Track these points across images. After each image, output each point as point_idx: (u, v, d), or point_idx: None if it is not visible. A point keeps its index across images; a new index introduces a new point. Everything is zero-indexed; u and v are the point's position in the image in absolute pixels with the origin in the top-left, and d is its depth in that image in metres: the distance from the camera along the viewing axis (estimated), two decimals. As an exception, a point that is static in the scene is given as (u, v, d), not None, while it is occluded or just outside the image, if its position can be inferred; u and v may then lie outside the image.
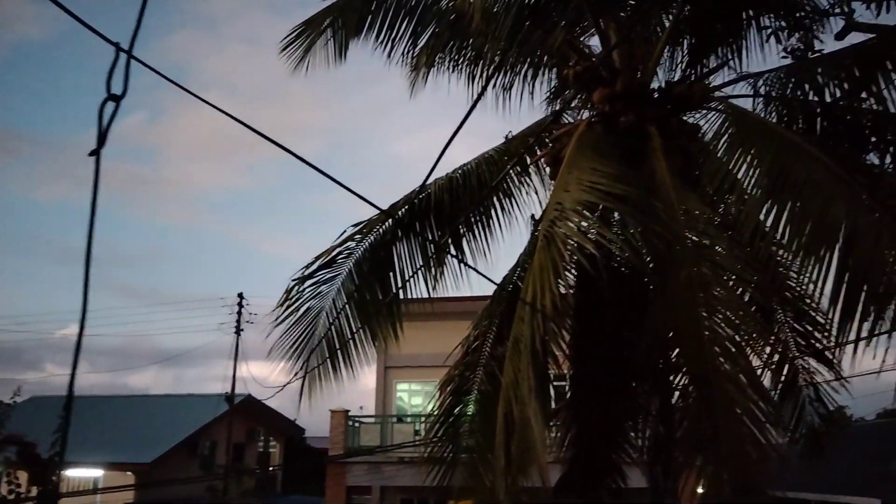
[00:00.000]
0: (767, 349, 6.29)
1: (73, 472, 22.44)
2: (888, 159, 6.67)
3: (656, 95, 6.71)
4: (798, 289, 6.62)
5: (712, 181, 5.92)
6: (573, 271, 5.58)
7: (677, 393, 5.56)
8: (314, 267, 7.25)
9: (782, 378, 6.91)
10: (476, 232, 7.75)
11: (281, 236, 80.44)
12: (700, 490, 5.14)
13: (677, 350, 5.47)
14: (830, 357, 6.66)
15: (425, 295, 7.58)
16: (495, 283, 6.70)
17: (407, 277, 7.44)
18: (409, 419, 23.98)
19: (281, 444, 37.22)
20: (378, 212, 7.18)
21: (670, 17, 7.05)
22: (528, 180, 7.87)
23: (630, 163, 5.84)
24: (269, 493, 30.01)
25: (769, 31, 7.06)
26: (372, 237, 7.42)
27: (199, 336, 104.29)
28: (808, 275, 5.25)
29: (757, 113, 6.95)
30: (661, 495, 6.44)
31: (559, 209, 5.16)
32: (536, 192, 7.86)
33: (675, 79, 7.34)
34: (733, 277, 5.35)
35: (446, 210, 7.34)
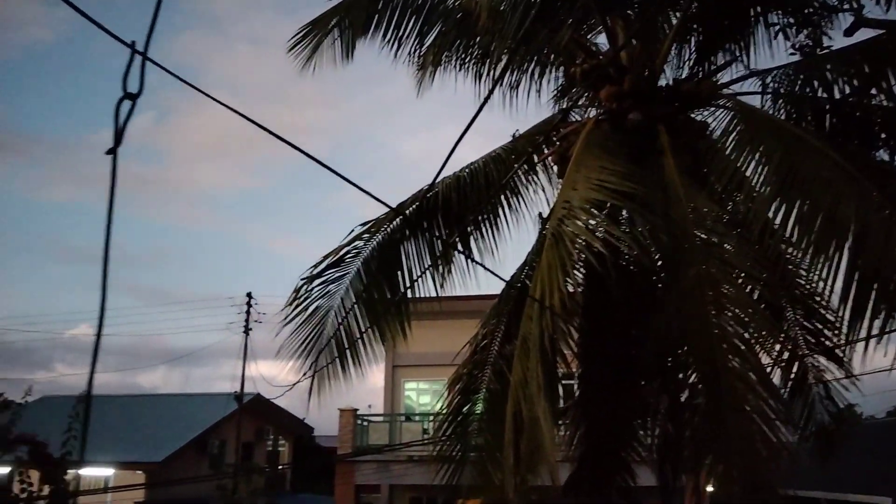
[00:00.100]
0: (777, 347, 6.26)
1: (83, 471, 22.55)
2: (898, 156, 6.63)
3: (664, 93, 6.69)
4: (808, 286, 6.59)
5: (721, 179, 5.90)
6: (581, 269, 5.57)
7: (686, 391, 5.55)
8: (322, 266, 7.27)
9: (792, 376, 6.87)
10: (484, 230, 7.75)
11: (289, 236, 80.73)
12: (709, 488, 5.13)
13: (686, 348, 5.45)
14: (840, 355, 6.62)
15: (433, 294, 7.59)
16: (504, 280, 6.69)
17: (415, 276, 7.46)
18: (417, 418, 23.99)
19: (290, 442, 37.28)
20: (386, 211, 7.20)
21: (678, 14, 7.02)
22: (535, 178, 7.86)
23: (638, 161, 5.83)
24: (278, 492, 30.07)
25: (777, 27, 7.01)
26: (380, 236, 7.43)
27: (208, 335, 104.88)
28: (817, 272, 5.21)
29: (765, 110, 6.92)
30: (671, 494, 6.43)
31: (567, 207, 5.16)
32: (544, 191, 7.86)
33: (683, 76, 7.31)
34: (742, 275, 5.33)
35: (454, 209, 7.35)
